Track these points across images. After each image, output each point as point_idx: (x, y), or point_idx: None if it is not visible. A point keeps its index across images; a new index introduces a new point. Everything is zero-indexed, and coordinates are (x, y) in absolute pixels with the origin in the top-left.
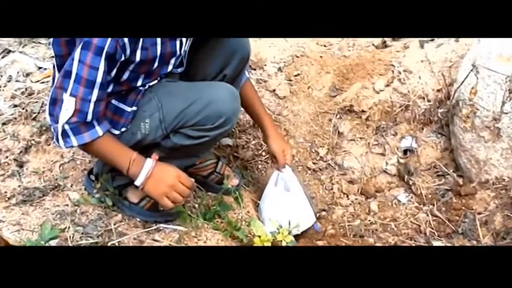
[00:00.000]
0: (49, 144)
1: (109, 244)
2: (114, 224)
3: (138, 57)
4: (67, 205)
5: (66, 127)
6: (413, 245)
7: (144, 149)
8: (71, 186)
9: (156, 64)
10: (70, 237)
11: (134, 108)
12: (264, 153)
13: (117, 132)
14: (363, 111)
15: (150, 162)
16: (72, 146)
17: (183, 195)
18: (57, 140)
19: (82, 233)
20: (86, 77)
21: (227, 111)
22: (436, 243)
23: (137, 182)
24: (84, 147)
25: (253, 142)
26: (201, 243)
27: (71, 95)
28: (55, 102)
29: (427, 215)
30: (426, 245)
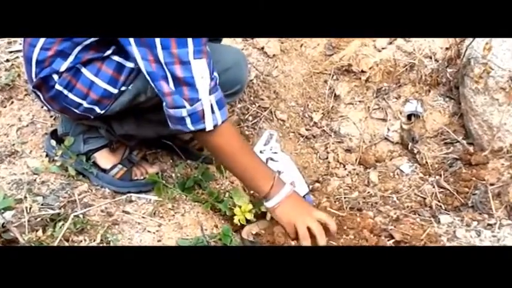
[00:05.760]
0: (5, 106)
1: (72, 216)
2: (79, 195)
3: None
4: (25, 173)
5: (212, 99)
6: (418, 218)
7: (136, 109)
8: (30, 152)
9: None
10: (27, 208)
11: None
12: (250, 118)
13: (115, 91)
14: (362, 71)
15: (289, 186)
16: (215, 126)
17: (314, 233)
18: (202, 119)
19: (42, 204)
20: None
21: (243, 79)
22: (442, 217)
23: (271, 203)
24: (213, 134)
25: (238, 106)
26: (178, 216)
27: (195, 57)
28: (176, 79)
29: (433, 187)
30: (431, 219)
